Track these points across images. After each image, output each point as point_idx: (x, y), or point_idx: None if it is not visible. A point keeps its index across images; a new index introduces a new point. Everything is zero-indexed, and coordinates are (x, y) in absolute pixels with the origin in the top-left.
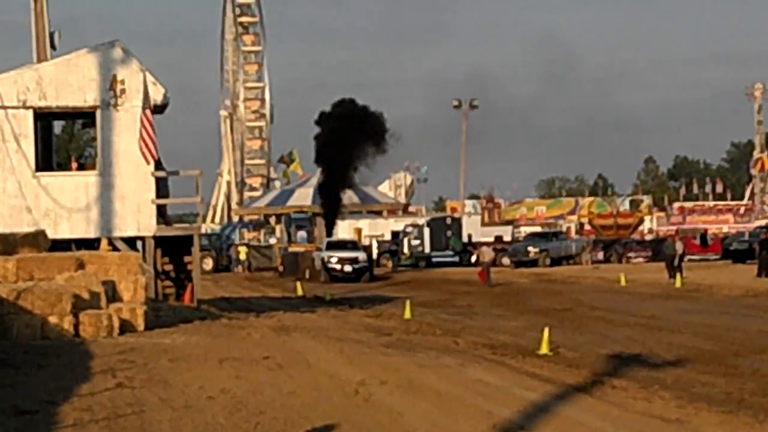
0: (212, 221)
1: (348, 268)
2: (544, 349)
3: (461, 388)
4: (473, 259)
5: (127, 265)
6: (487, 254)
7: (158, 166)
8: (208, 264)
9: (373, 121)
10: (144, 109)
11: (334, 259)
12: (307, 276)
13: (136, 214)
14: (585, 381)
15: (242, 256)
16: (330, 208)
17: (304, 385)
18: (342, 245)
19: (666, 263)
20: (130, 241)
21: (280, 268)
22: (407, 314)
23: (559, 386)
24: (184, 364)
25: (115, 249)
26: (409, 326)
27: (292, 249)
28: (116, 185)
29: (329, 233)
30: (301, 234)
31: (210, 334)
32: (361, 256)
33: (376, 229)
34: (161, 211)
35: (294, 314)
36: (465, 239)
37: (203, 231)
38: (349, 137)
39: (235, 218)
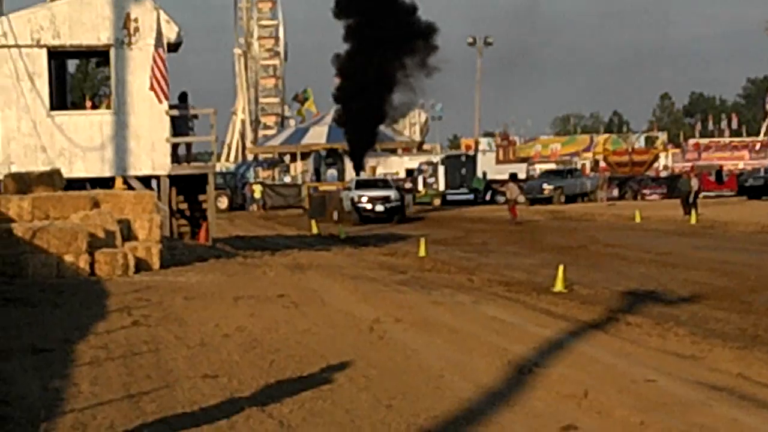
0: (227, 160)
1: (379, 207)
2: (559, 286)
3: (476, 325)
4: (501, 198)
5: (142, 204)
6: (514, 191)
7: (183, 104)
8: (223, 202)
9: (417, 24)
10: (157, 47)
11: (364, 199)
12: (335, 217)
13: (151, 153)
14: (599, 318)
15: (257, 195)
16: (358, 141)
17: (319, 323)
18: (372, 183)
19: (681, 200)
20: (145, 180)
21: (308, 208)
22: (422, 252)
23: (574, 323)
24: (200, 302)
25: (130, 188)
26: (423, 264)
27: (323, 188)
28: (131, 124)
29: (358, 171)
30: (332, 172)
31: (225, 272)
32: (393, 194)
33: (391, 167)
34: (185, 149)
35: (309, 252)
36: (480, 176)
37: (218, 170)
38: (387, 46)
39: (250, 157)
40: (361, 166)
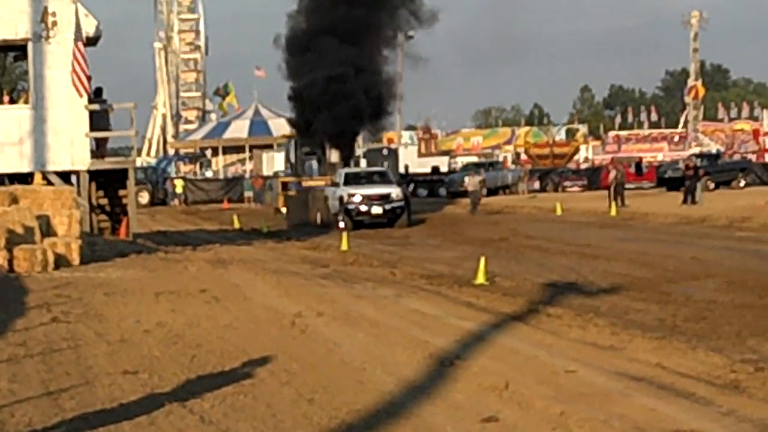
0: (148, 154)
1: (377, 209)
2: (481, 278)
3: (398, 318)
4: (423, 192)
5: (62, 200)
6: (471, 183)
7: (100, 99)
8: (144, 197)
9: None
10: (76, 41)
11: (357, 198)
12: (319, 221)
13: (70, 148)
14: (520, 310)
15: (178, 190)
16: (342, 120)
17: (240, 318)
18: (367, 177)
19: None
20: (65, 175)
21: (283, 210)
22: (344, 246)
23: (495, 315)
24: (120, 298)
25: (50, 183)
26: (346, 258)
27: (308, 184)
28: (49, 119)
29: (347, 161)
30: (310, 163)
31: (146, 267)
32: (395, 192)
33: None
34: (99, 144)
35: (231, 247)
36: (402, 170)
37: (138, 164)
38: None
39: (171, 151)
40: (350, 154)
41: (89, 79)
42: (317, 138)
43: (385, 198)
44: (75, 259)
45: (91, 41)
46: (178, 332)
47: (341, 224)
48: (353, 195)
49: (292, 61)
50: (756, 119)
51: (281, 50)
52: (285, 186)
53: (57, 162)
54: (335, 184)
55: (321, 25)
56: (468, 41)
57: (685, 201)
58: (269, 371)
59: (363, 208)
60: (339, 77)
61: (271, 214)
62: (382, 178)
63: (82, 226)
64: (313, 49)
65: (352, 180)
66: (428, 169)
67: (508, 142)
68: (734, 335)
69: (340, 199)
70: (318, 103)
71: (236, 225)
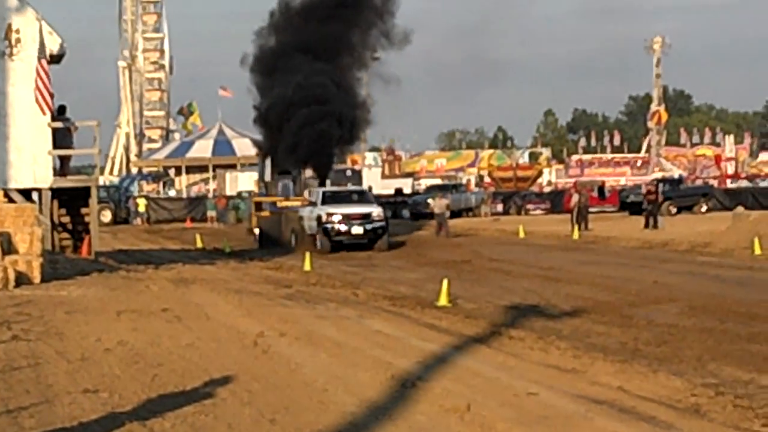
0: (111, 173)
1: (357, 229)
2: (443, 300)
3: (360, 339)
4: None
5: (23, 217)
6: (438, 206)
7: (63, 117)
8: (107, 216)
9: None
10: (40, 59)
11: (336, 218)
12: (293, 243)
13: (32, 165)
14: (483, 332)
15: (141, 209)
16: (320, 134)
17: (202, 337)
18: (345, 197)
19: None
20: (26, 193)
21: (256, 231)
22: (307, 266)
23: (457, 337)
24: (81, 316)
25: (11, 200)
26: (308, 278)
27: (283, 204)
28: (11, 136)
29: (323, 179)
30: (285, 183)
31: (107, 286)
32: (376, 211)
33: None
34: (62, 162)
35: (193, 266)
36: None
37: (101, 183)
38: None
39: (134, 170)
40: (326, 172)
41: (52, 96)
42: (290, 157)
43: (366, 217)
44: (36, 277)
45: (55, 59)
46: (139, 351)
47: (318, 245)
48: (332, 214)
49: (262, 79)
50: (718, 145)
51: (249, 69)
52: (258, 206)
53: (19, 179)
54: (312, 204)
55: (293, 42)
56: (432, 64)
57: (647, 225)
58: (231, 391)
59: (342, 227)
60: (318, 94)
61: (234, 233)
62: (361, 197)
63: (43, 244)
64: (283, 67)
65: (330, 199)
66: (392, 191)
67: (472, 165)
68: (695, 359)
69: (318, 218)
70: (294, 121)
71: (199, 244)
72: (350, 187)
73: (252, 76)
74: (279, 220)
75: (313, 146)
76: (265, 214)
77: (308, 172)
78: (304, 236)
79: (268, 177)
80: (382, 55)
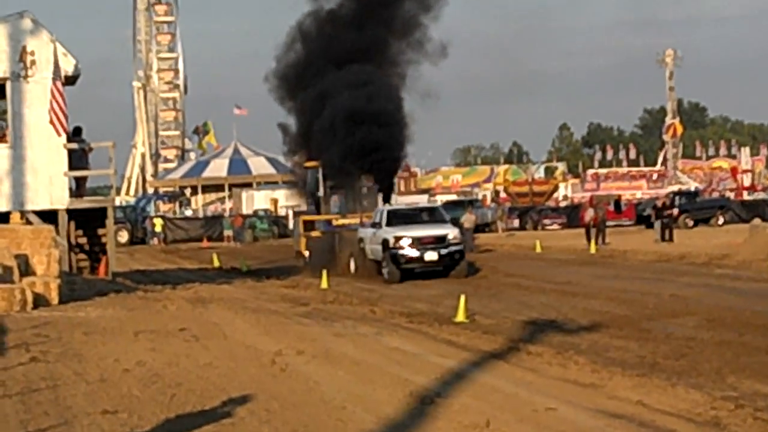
0: (127, 194)
1: (431, 254)
2: (461, 316)
3: (378, 356)
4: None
5: (40, 239)
6: (468, 221)
7: (79, 138)
8: (123, 236)
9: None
10: (55, 80)
11: (405, 241)
12: (352, 269)
13: (49, 187)
14: (501, 347)
15: (158, 229)
16: (379, 143)
17: (220, 357)
18: (415, 217)
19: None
20: (43, 214)
21: (306, 254)
22: (324, 284)
23: (475, 353)
24: (99, 337)
25: (28, 222)
26: (326, 296)
27: (340, 223)
28: (28, 158)
29: (387, 197)
30: (335, 200)
31: (125, 306)
32: (452, 233)
33: (294, 200)
34: (78, 183)
35: (210, 286)
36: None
37: (118, 203)
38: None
39: (150, 190)
40: (390, 188)
41: (67, 117)
42: (343, 168)
43: (440, 240)
44: (54, 298)
45: (70, 80)
46: (157, 371)
47: (386, 275)
48: (401, 238)
49: (291, 93)
50: (734, 157)
51: (275, 85)
52: (309, 225)
53: (36, 201)
54: (375, 225)
55: (328, 53)
56: (447, 81)
57: (662, 238)
58: (249, 410)
59: (414, 253)
60: (376, 104)
61: (251, 252)
62: (432, 216)
63: (61, 266)
64: (318, 78)
65: (396, 219)
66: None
67: (487, 180)
68: (714, 372)
69: (384, 243)
70: (349, 129)
71: (216, 264)
72: (419, 203)
73: (279, 91)
74: (332, 241)
75: (375, 154)
76: (316, 234)
77: (363, 188)
78: (365, 261)
79: (320, 191)
80: (418, 69)
